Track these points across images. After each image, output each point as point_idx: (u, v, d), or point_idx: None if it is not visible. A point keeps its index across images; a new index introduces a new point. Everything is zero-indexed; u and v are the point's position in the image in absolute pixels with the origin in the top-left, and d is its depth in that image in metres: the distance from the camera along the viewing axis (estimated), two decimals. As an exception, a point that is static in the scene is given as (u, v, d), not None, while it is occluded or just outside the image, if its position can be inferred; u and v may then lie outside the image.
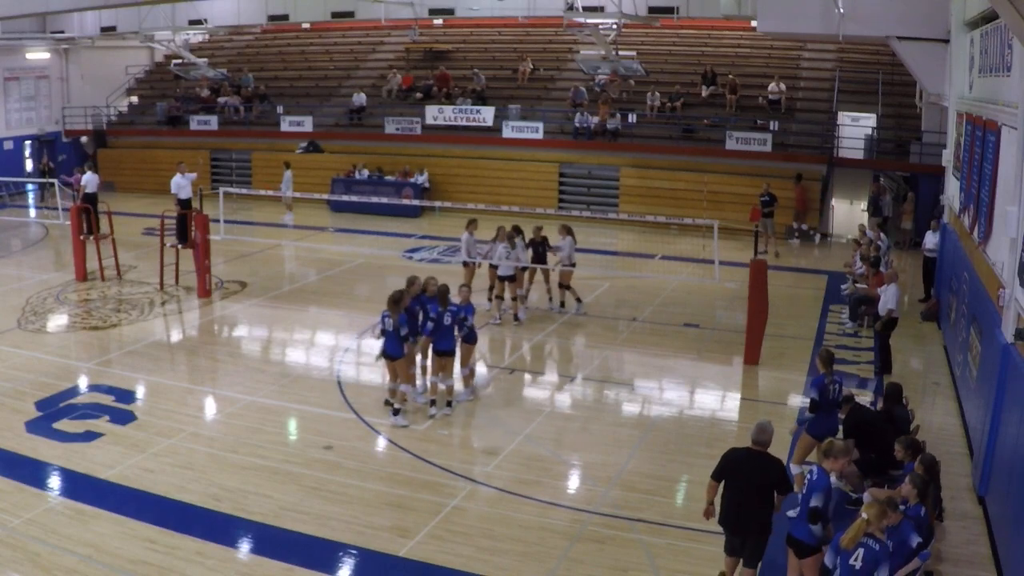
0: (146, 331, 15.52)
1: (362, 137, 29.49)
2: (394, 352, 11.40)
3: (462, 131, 28.17)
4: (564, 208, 25.41)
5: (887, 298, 13.62)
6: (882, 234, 18.55)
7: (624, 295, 18.18)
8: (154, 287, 18.10)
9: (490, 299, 16.27)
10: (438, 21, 32.00)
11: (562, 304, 16.72)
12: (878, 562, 6.38)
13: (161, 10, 28.67)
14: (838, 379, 9.76)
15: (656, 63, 28.14)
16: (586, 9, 23.96)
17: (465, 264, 16.45)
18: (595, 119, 26.67)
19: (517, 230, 15.93)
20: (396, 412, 11.56)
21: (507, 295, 16.12)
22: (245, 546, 8.69)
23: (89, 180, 20.06)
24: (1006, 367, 9.14)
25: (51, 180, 25.11)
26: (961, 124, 15.72)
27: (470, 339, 12.21)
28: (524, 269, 16.10)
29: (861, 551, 6.43)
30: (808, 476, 7.24)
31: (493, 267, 16.00)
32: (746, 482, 7.40)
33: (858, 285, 16.86)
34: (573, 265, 16.24)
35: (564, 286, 16.47)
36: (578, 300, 16.61)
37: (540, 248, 16.30)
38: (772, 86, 26.17)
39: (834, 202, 25.29)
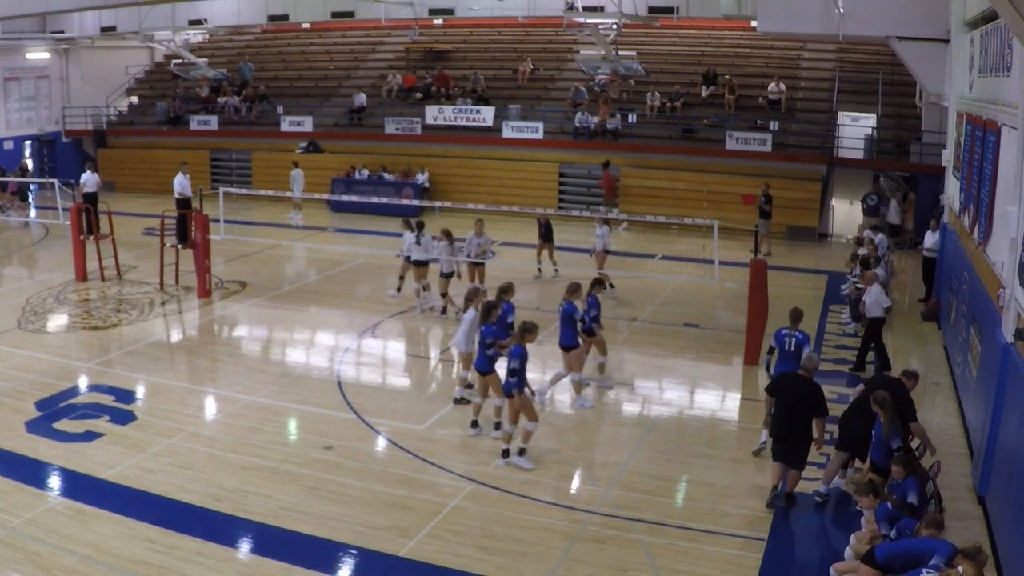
0: (146, 331, 15.52)
1: (362, 137, 29.48)
2: (482, 367, 11.03)
3: (462, 131, 28.17)
4: (564, 208, 25.45)
5: (872, 300, 13.64)
6: (880, 234, 18.48)
7: (624, 295, 18.16)
8: (154, 287, 18.10)
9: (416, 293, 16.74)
10: (438, 21, 31.99)
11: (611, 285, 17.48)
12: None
13: (161, 10, 28.66)
14: (798, 335, 10.99)
15: (656, 63, 28.14)
16: (586, 9, 23.95)
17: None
18: (595, 119, 26.67)
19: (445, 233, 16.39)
20: (497, 426, 11.03)
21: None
22: (245, 546, 8.69)
23: (88, 180, 20.07)
24: (1006, 367, 9.14)
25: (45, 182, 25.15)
26: (961, 124, 15.71)
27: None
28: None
29: None
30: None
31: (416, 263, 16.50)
32: (790, 398, 9.34)
33: (858, 285, 16.81)
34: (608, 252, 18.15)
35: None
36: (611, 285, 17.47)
37: (544, 229, 18.70)
38: (772, 86, 26.17)
39: (834, 202, 25.29)
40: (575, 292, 12.28)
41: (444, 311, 16.31)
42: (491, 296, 12.35)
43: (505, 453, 10.36)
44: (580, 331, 12.25)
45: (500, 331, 11.36)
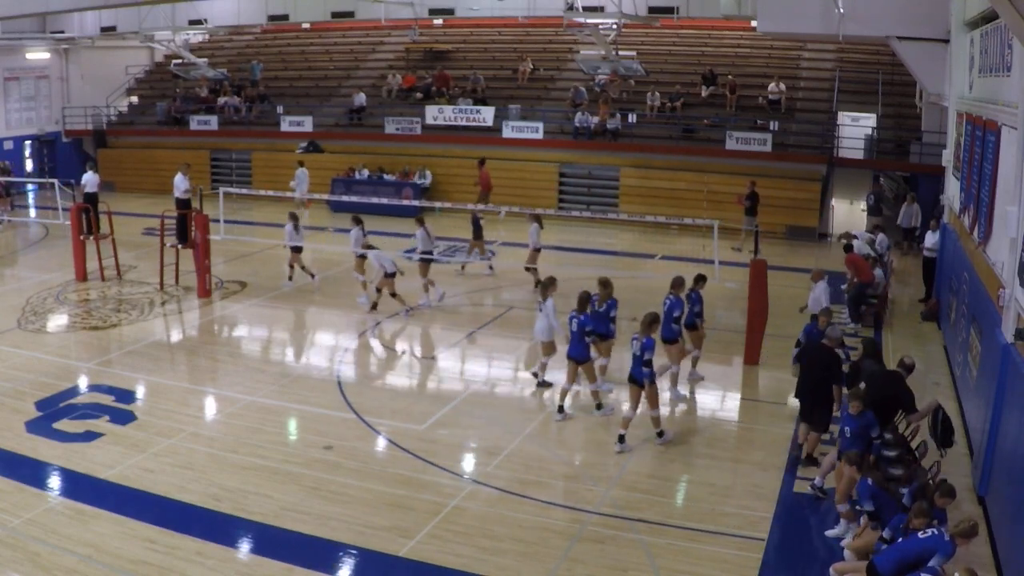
0: (146, 331, 15.53)
1: (362, 137, 29.48)
2: (580, 355, 11.61)
3: (462, 131, 28.17)
4: (564, 208, 25.44)
5: (815, 296, 13.68)
6: (881, 234, 18.46)
7: (624, 295, 18.07)
8: (154, 287, 18.10)
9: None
10: (438, 21, 32.00)
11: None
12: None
13: (161, 10, 28.67)
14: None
15: (656, 63, 28.14)
16: (586, 9, 23.95)
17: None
18: (595, 119, 26.67)
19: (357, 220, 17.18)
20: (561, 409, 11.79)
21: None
22: (245, 546, 8.69)
23: (89, 180, 20.07)
24: (1006, 367, 9.14)
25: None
26: (961, 124, 15.71)
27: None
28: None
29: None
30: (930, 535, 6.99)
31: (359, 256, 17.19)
32: (812, 364, 10.34)
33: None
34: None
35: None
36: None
37: (475, 226, 19.23)
38: (772, 86, 26.16)
39: (834, 202, 25.29)
40: (679, 287, 12.59)
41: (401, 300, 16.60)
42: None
43: (621, 439, 10.81)
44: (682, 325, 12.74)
45: (600, 324, 12.10)
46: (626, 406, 11.04)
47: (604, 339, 12.49)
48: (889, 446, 9.82)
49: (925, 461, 9.48)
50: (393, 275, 16.28)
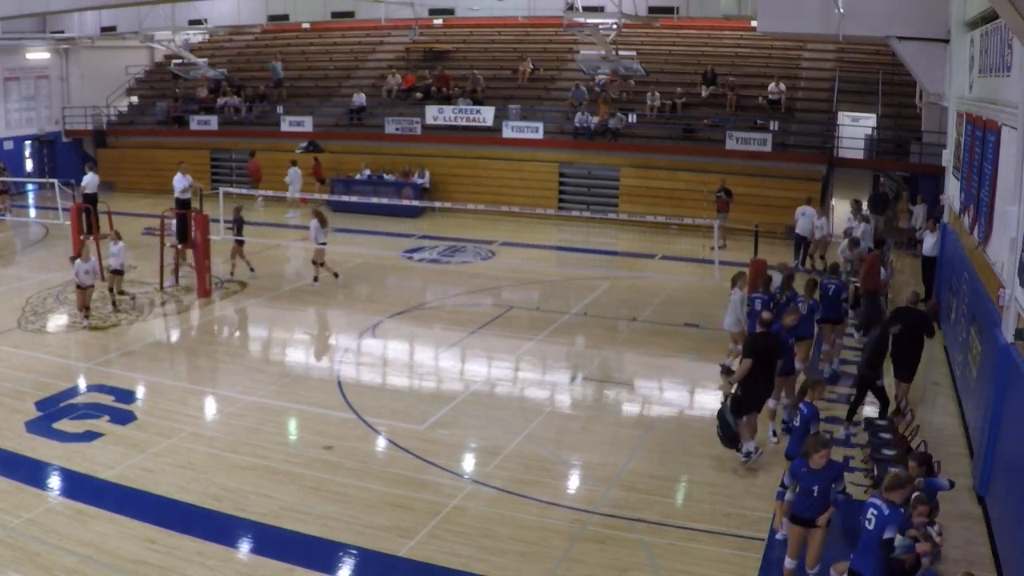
0: (146, 331, 15.53)
1: (362, 137, 29.48)
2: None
3: (462, 131, 28.16)
4: (564, 208, 25.44)
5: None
6: (863, 223, 18.46)
7: (624, 295, 18.17)
8: (154, 287, 18.10)
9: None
10: (438, 21, 31.99)
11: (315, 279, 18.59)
12: (884, 526, 6.81)
13: (161, 10, 28.67)
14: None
15: (656, 63, 28.14)
16: (586, 9, 23.97)
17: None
18: (595, 119, 26.67)
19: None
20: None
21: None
22: (245, 546, 8.69)
23: (89, 182, 20.08)
24: (1006, 367, 9.14)
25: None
26: (961, 124, 15.72)
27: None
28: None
29: (872, 511, 6.89)
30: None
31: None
32: (904, 325, 11.37)
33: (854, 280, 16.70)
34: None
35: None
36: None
37: (236, 225, 18.75)
38: (772, 86, 26.16)
39: (834, 202, 25.29)
40: (836, 273, 13.61)
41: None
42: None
43: None
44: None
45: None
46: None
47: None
48: (888, 445, 9.84)
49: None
50: (121, 273, 16.71)
